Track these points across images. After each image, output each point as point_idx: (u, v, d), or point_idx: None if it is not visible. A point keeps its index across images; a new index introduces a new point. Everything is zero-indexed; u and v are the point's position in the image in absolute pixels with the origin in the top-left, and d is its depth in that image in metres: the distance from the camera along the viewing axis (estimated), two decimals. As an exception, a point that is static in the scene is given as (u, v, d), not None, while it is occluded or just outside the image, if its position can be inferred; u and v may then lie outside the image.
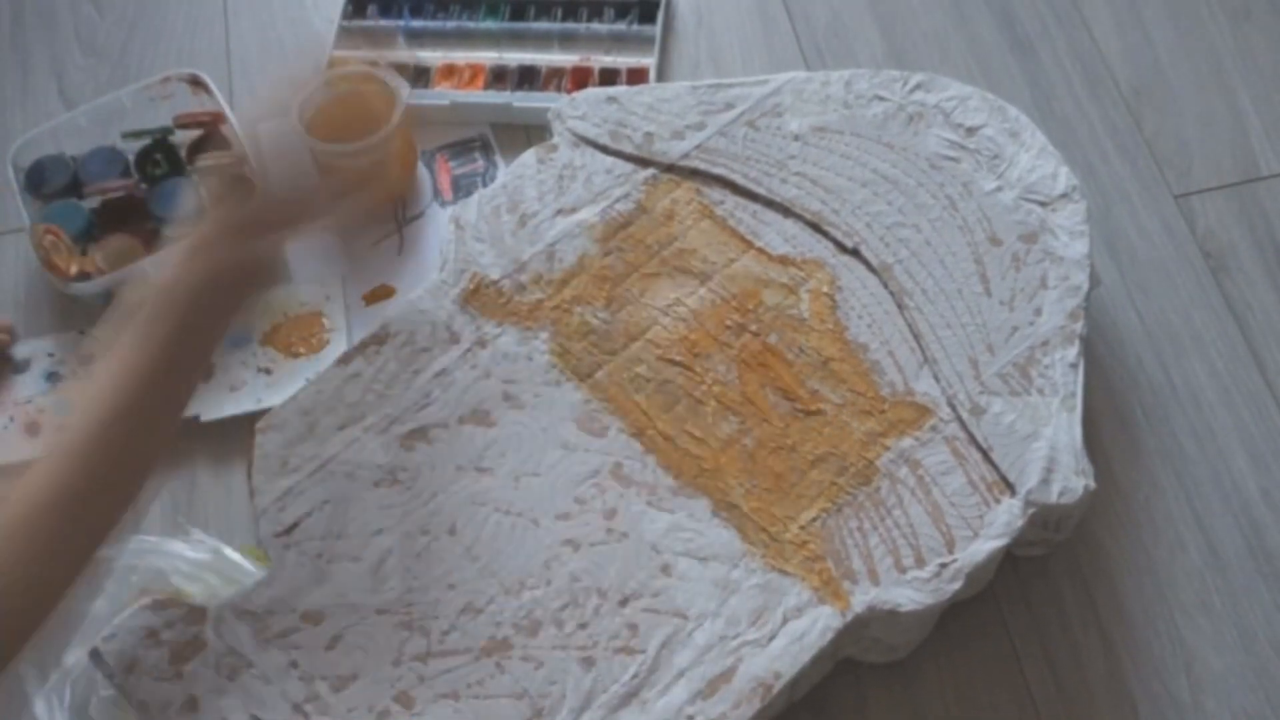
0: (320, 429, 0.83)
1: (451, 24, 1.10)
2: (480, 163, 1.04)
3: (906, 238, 0.88)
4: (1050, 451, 0.79)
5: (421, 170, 1.04)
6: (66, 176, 0.99)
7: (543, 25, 1.09)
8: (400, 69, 1.04)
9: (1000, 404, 0.81)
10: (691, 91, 0.95)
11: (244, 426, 0.87)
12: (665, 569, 0.78)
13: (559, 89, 1.05)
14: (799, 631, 0.75)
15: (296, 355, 0.93)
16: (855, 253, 0.88)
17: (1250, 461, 0.89)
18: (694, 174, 0.92)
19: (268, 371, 0.92)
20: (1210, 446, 0.90)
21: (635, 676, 0.75)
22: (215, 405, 0.91)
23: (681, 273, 0.88)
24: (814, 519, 0.79)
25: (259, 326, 0.94)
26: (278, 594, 0.78)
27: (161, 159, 1.00)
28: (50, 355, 0.95)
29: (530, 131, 1.04)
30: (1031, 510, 0.78)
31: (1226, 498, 0.88)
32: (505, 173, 0.94)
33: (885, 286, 0.87)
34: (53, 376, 0.94)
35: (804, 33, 1.11)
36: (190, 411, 0.90)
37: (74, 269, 0.94)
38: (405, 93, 0.98)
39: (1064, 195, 0.89)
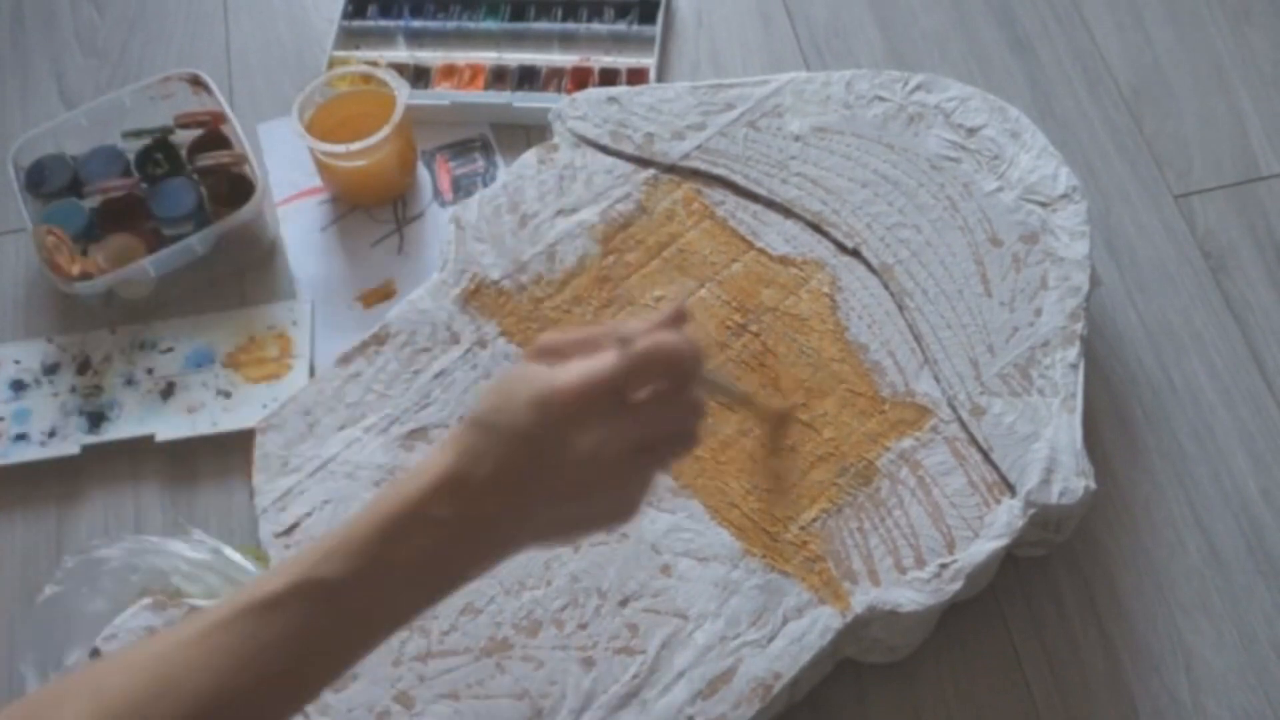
0: (320, 429, 0.83)
1: (451, 24, 1.10)
2: (480, 163, 1.04)
3: (907, 238, 0.88)
4: (1050, 452, 0.79)
5: (421, 170, 1.04)
6: (67, 176, 0.99)
7: (543, 25, 1.09)
8: (400, 69, 1.05)
9: (1000, 404, 0.82)
10: (692, 92, 0.95)
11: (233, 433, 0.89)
12: (665, 569, 0.78)
13: (559, 89, 1.05)
14: (799, 632, 0.75)
15: (257, 380, 0.93)
16: (856, 253, 0.88)
17: (1250, 461, 0.89)
18: (695, 174, 0.92)
19: (227, 395, 0.92)
20: (1210, 446, 0.90)
21: (635, 677, 0.75)
22: (172, 425, 0.91)
23: (682, 273, 0.88)
24: (814, 519, 0.79)
25: (223, 348, 0.94)
26: (278, 594, 0.78)
27: (162, 158, 1.00)
28: (16, 362, 0.95)
29: (530, 132, 1.04)
30: (1032, 511, 0.78)
31: (1226, 498, 0.88)
32: (506, 173, 0.94)
33: (886, 287, 0.87)
34: (17, 385, 0.94)
35: (804, 33, 1.11)
36: (147, 430, 0.91)
37: (76, 269, 0.94)
38: (405, 93, 0.98)
39: (1064, 196, 0.89)
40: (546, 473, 0.56)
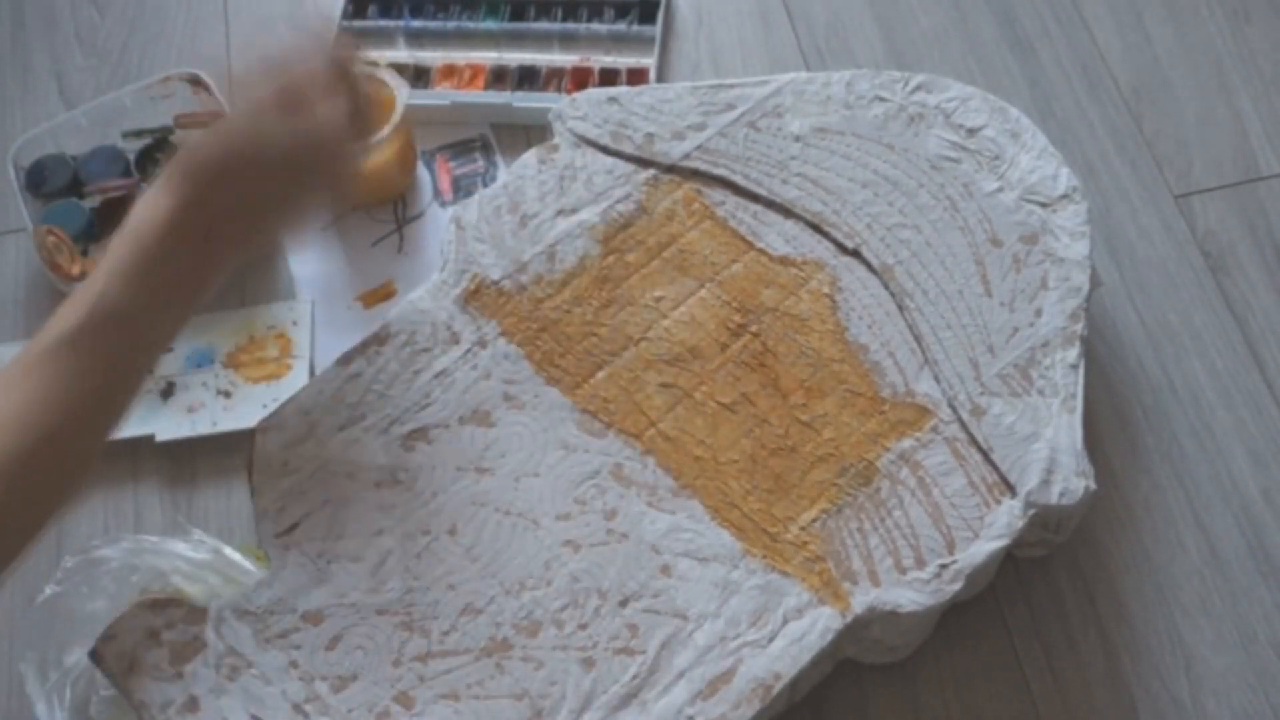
0: (320, 429, 0.83)
1: (451, 24, 1.10)
2: (480, 163, 1.04)
3: (907, 239, 0.88)
4: (1050, 453, 0.79)
5: (421, 170, 1.04)
6: (67, 176, 0.99)
7: (543, 25, 1.09)
8: (400, 69, 1.05)
9: (1001, 405, 0.82)
10: (692, 92, 0.95)
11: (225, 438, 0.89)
12: (665, 570, 0.78)
13: (559, 89, 1.05)
14: (799, 632, 0.75)
15: (257, 380, 0.93)
16: (856, 254, 0.88)
17: (1250, 461, 0.89)
18: (695, 175, 0.92)
19: (227, 395, 0.92)
20: (1210, 446, 0.90)
21: (635, 677, 0.75)
22: (172, 425, 0.91)
23: (682, 273, 0.88)
24: (814, 520, 0.79)
25: (223, 348, 0.94)
26: (278, 594, 0.78)
27: (162, 158, 1.00)
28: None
29: (530, 132, 1.04)
30: (1032, 511, 0.78)
31: (1226, 498, 0.88)
32: (506, 173, 0.94)
33: (886, 287, 0.87)
34: None
35: (804, 33, 1.11)
36: (147, 430, 0.91)
37: (77, 269, 0.94)
38: (405, 93, 0.98)
39: (1064, 196, 0.89)
40: (268, 160, 0.70)
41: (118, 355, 0.66)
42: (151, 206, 0.68)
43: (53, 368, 0.64)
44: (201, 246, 0.69)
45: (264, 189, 0.71)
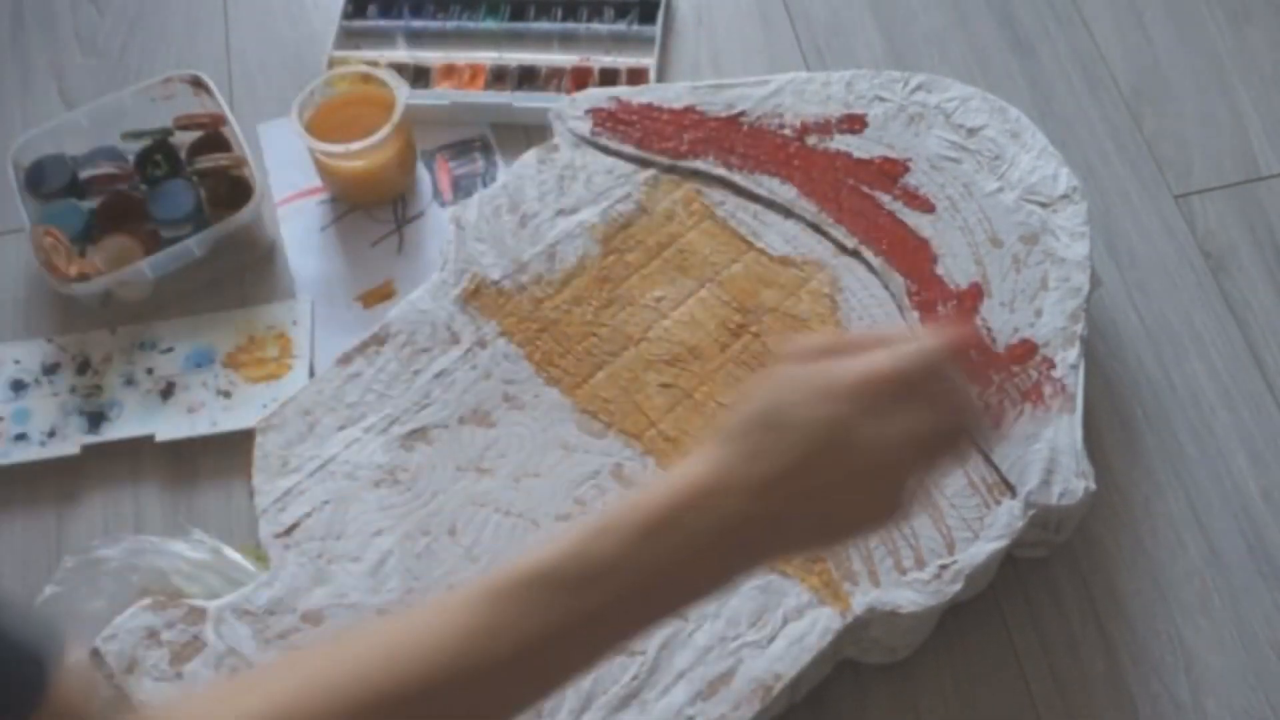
0: (320, 429, 0.83)
1: (451, 24, 1.10)
2: (480, 163, 1.04)
3: (907, 238, 0.88)
4: (1050, 453, 0.79)
5: (421, 170, 1.04)
6: (66, 176, 0.99)
7: (543, 25, 1.09)
8: (400, 69, 1.04)
9: (1000, 405, 0.82)
10: (692, 92, 0.95)
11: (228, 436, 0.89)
12: (665, 570, 0.78)
13: (559, 89, 1.05)
14: (799, 633, 0.75)
15: (257, 380, 0.93)
16: (855, 254, 0.88)
17: (1250, 461, 0.89)
18: (695, 174, 0.92)
19: (227, 395, 0.92)
20: (1210, 446, 0.89)
21: (635, 678, 0.75)
22: (172, 425, 0.91)
23: (682, 273, 0.88)
24: (814, 520, 0.79)
25: (223, 348, 0.94)
26: (278, 594, 0.78)
27: (161, 160, 0.99)
28: (16, 362, 0.95)
29: (530, 131, 1.04)
30: (1032, 511, 0.78)
31: (1226, 498, 0.87)
32: (506, 173, 0.94)
33: (886, 287, 0.87)
34: (17, 385, 0.94)
35: (804, 33, 1.11)
36: (147, 430, 0.91)
37: (74, 270, 0.94)
38: (405, 93, 0.98)
39: (1064, 196, 0.89)
40: (830, 464, 0.54)
41: (556, 626, 0.52)
42: (685, 466, 0.54)
43: (479, 610, 0.52)
44: (727, 521, 0.53)
45: (831, 476, 0.55)
